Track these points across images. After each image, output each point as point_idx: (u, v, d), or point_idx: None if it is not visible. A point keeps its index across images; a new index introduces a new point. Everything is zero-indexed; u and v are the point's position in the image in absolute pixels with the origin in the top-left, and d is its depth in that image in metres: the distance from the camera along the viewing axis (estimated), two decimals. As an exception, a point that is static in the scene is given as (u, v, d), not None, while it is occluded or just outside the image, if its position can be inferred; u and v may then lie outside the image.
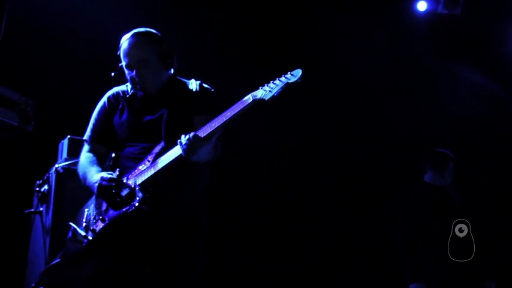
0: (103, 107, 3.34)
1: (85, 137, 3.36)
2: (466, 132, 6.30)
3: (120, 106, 3.30)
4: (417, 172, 4.93)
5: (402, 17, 6.47)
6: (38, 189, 4.23)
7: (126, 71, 3.21)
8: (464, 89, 6.42)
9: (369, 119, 6.46)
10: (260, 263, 5.87)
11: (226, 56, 5.89)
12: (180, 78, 3.35)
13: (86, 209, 3.20)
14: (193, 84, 3.28)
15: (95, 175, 3.09)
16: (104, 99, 3.37)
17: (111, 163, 3.27)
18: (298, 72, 2.80)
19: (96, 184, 3.02)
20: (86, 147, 3.33)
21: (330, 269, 6.09)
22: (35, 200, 4.29)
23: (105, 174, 3.03)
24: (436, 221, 4.56)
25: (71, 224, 3.18)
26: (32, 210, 4.26)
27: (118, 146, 3.27)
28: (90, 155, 3.27)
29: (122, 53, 3.21)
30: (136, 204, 2.88)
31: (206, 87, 3.29)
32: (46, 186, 4.12)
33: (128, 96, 3.30)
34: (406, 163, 5.97)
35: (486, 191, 6.15)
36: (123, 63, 3.21)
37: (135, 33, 3.21)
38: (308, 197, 6.19)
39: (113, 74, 3.30)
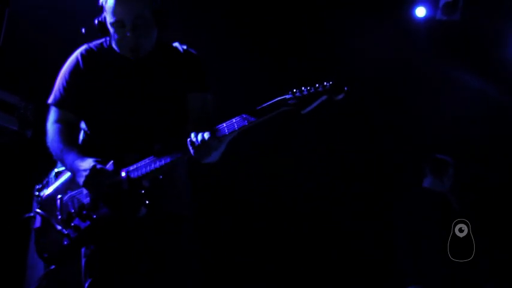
0: (76, 66, 2.81)
1: (52, 101, 2.86)
2: (466, 135, 6.32)
3: (99, 68, 2.79)
4: (417, 175, 4.95)
5: (401, 23, 6.48)
6: (37, 193, 4.22)
7: (112, 29, 2.69)
8: (464, 93, 6.43)
9: (369, 121, 6.47)
10: (259, 263, 5.87)
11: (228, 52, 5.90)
12: (166, 42, 2.90)
13: (59, 196, 2.83)
14: (183, 51, 2.86)
15: (81, 163, 2.65)
16: (77, 56, 2.83)
17: (84, 137, 2.88)
18: (342, 89, 2.39)
19: (85, 174, 2.61)
20: (54, 114, 2.87)
21: (330, 270, 6.08)
22: (35, 204, 4.28)
23: (97, 166, 2.60)
24: (435, 225, 4.57)
25: (41, 212, 2.86)
26: (32, 214, 4.25)
27: (92, 116, 2.81)
28: (62, 126, 2.83)
29: (109, 7, 2.66)
30: (142, 211, 2.55)
31: (195, 56, 2.88)
32: (46, 191, 4.11)
33: (110, 56, 2.77)
34: (406, 165, 5.99)
35: (486, 191, 6.16)
36: (109, 20, 2.68)
37: None
38: (307, 197, 6.19)
39: (83, 30, 2.83)
